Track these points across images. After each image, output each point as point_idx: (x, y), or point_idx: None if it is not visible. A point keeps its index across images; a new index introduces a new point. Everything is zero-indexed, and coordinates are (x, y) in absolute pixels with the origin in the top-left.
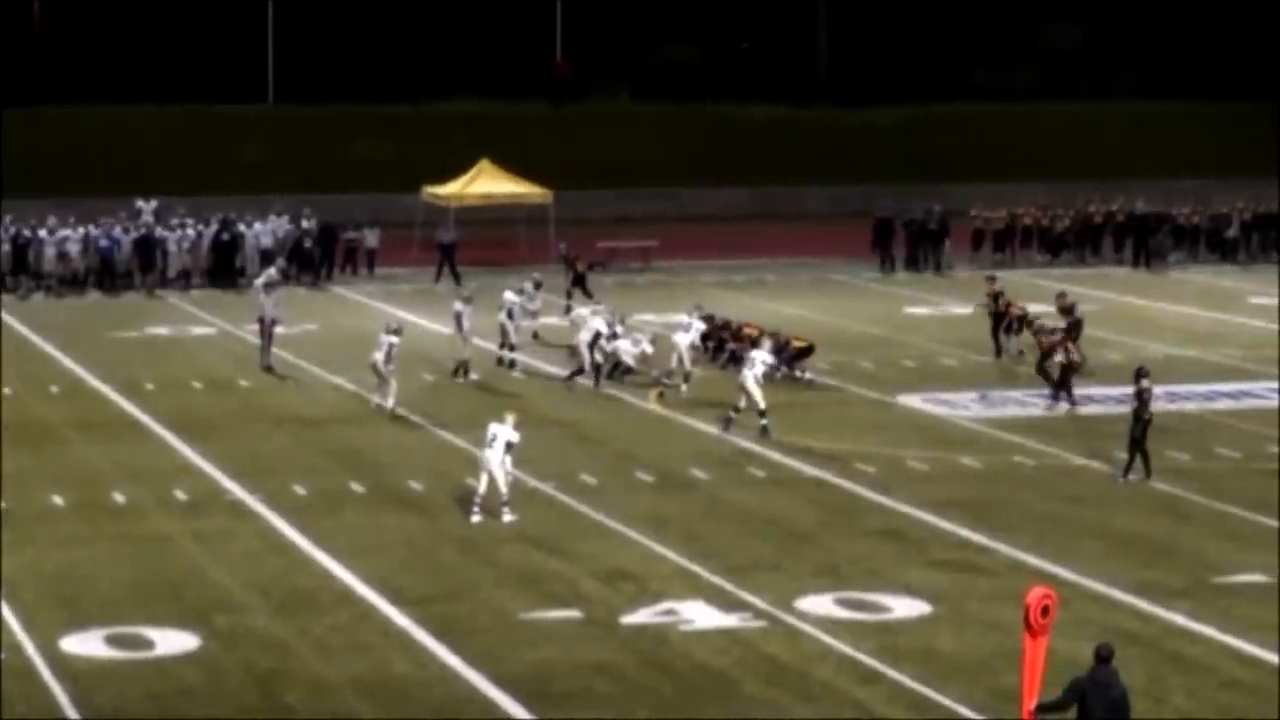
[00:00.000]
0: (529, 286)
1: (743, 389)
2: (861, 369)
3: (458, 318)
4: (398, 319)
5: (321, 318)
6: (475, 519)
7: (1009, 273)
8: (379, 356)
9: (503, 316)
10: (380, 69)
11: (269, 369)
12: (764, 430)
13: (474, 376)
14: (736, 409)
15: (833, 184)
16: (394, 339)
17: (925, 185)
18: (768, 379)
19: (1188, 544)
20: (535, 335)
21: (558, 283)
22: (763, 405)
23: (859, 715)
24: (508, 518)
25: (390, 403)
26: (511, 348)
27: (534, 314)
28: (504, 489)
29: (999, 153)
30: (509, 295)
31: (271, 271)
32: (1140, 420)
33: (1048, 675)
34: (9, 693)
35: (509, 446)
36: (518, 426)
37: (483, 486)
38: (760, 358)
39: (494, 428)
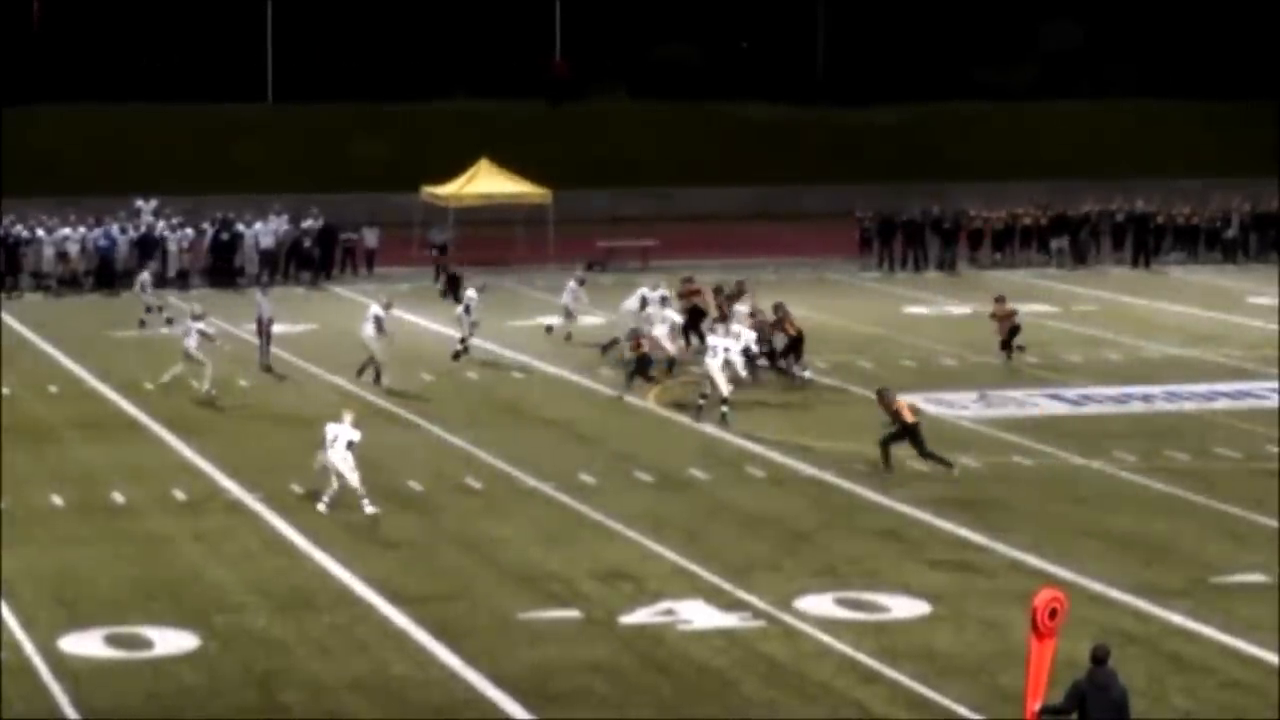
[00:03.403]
0: (573, 284)
1: (707, 377)
2: (860, 368)
3: (378, 322)
4: (395, 318)
5: (320, 317)
6: (322, 509)
7: (1008, 272)
8: (191, 343)
9: (460, 310)
10: (379, 68)
11: (268, 368)
12: (724, 418)
13: (386, 380)
14: (704, 395)
15: (831, 183)
16: (201, 324)
17: (924, 184)
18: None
19: (1187, 544)
20: (569, 337)
21: (558, 282)
22: (725, 393)
23: (858, 715)
24: (370, 509)
25: (206, 385)
26: (463, 340)
27: (572, 314)
28: (356, 484)
29: (998, 152)
30: (470, 292)
31: (145, 275)
32: (911, 434)
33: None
34: (8, 692)
35: (350, 445)
36: (356, 424)
37: (335, 484)
38: (723, 345)
39: (333, 428)
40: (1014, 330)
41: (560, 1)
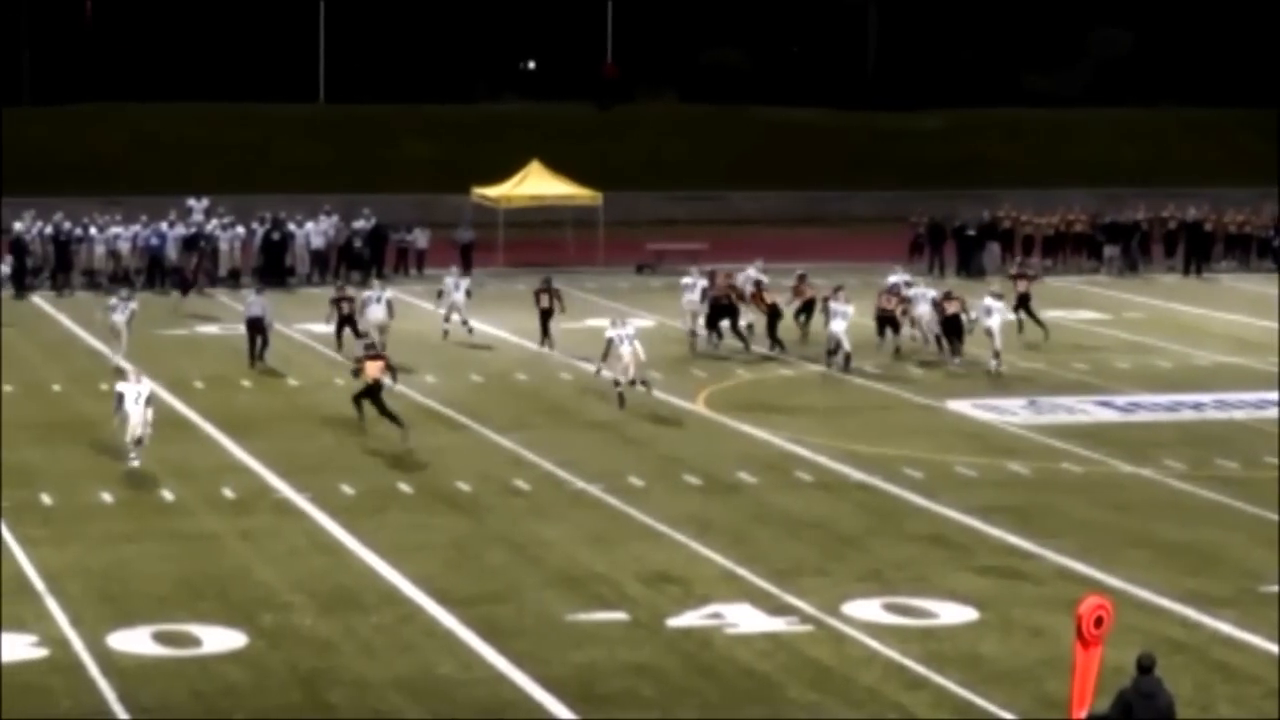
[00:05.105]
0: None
1: (627, 367)
2: (909, 374)
3: (389, 306)
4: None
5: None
6: (134, 464)
7: (1059, 279)
8: (118, 318)
9: (460, 296)
10: (430, 69)
11: (255, 365)
12: (649, 389)
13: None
14: (617, 383)
15: (880, 188)
16: (134, 304)
17: (972, 190)
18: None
19: (1235, 553)
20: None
21: (608, 284)
22: (634, 376)
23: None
24: (135, 463)
25: (119, 357)
26: (463, 324)
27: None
28: (146, 434)
29: (1047, 158)
30: (449, 280)
31: None
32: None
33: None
34: (56, 688)
35: (149, 401)
36: (139, 379)
37: (131, 433)
38: (624, 334)
39: (131, 388)
40: (1022, 299)
41: (612, 5)
